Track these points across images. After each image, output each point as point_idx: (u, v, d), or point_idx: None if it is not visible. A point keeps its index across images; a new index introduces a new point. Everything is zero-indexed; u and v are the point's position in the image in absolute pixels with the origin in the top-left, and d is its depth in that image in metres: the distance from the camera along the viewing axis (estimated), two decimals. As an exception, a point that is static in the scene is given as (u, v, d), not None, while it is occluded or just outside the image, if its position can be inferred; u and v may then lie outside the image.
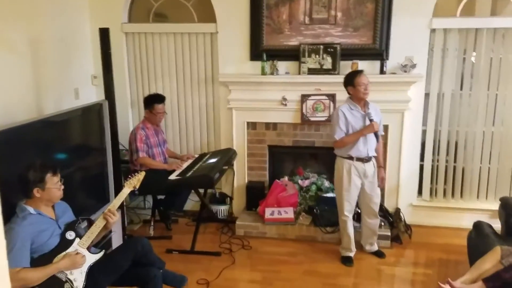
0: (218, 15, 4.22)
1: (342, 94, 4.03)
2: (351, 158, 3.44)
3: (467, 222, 3.75)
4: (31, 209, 2.40)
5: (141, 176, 2.85)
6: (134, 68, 4.58)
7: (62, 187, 2.51)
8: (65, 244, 2.45)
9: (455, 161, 4.25)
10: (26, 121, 2.92)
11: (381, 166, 3.60)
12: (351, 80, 3.34)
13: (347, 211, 3.55)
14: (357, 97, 3.38)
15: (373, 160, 3.51)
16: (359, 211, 3.80)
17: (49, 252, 2.38)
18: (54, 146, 3.12)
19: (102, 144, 3.61)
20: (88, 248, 2.52)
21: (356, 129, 3.39)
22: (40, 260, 2.34)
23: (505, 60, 3.98)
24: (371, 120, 3.33)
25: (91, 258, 2.51)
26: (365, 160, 3.44)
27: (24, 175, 2.37)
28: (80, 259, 2.42)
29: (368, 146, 3.41)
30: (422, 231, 4.16)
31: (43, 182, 2.39)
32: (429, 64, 4.06)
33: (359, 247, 3.77)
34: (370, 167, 3.48)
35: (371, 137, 3.40)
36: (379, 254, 3.71)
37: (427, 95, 4.13)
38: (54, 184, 2.44)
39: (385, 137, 4.09)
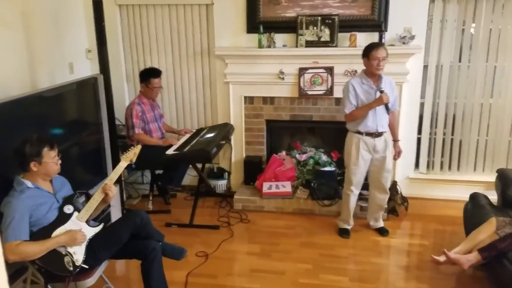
0: (213, -14, 4.13)
1: (340, 67, 4.03)
2: (360, 132, 3.41)
3: (463, 194, 3.76)
4: (28, 183, 2.40)
5: (137, 149, 2.83)
6: (129, 41, 4.51)
7: (60, 161, 2.50)
8: (63, 217, 2.46)
9: (452, 134, 4.25)
10: (20, 95, 2.88)
11: (396, 140, 3.56)
12: (366, 52, 3.25)
13: (354, 185, 3.53)
14: (369, 71, 3.30)
15: (385, 135, 3.45)
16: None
17: (48, 226, 2.39)
18: (49, 121, 3.09)
19: (98, 118, 3.58)
20: (87, 222, 2.53)
21: (365, 103, 3.33)
22: (39, 233, 2.35)
23: (504, 31, 3.93)
24: (381, 92, 3.25)
25: (90, 231, 2.51)
26: (374, 135, 3.40)
27: (20, 149, 2.36)
28: (81, 237, 2.43)
29: (377, 121, 3.35)
30: (419, 203, 4.20)
31: (40, 156, 2.38)
32: (427, 35, 4.00)
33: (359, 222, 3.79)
34: (381, 142, 3.43)
35: (381, 112, 3.32)
36: (382, 231, 3.69)
37: (425, 67, 4.09)
38: (51, 159, 2.43)
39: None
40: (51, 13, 3.79)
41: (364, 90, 3.35)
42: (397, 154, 3.59)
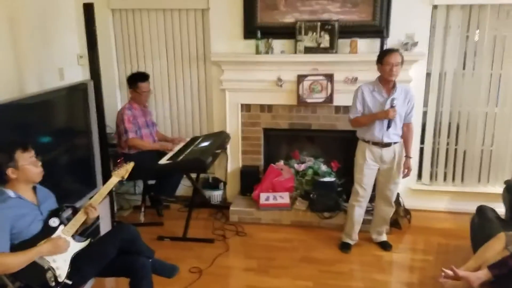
0: (209, -11, 4.03)
1: (340, 74, 3.94)
2: (366, 141, 3.29)
3: (467, 206, 3.70)
4: (10, 193, 2.26)
5: (129, 166, 2.75)
6: (122, 47, 4.40)
7: (39, 163, 2.36)
8: (48, 231, 2.33)
9: (456, 143, 4.14)
10: (6, 100, 2.73)
11: (407, 156, 3.36)
12: (380, 58, 3.16)
13: (360, 196, 3.40)
14: (383, 77, 3.18)
15: (395, 146, 3.29)
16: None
17: (31, 239, 2.25)
18: (37, 128, 2.94)
19: (88, 126, 3.44)
20: (73, 237, 2.40)
21: (372, 111, 3.21)
22: (22, 247, 2.19)
23: (510, 38, 3.83)
24: (392, 106, 3.13)
25: (76, 246, 2.38)
26: (381, 145, 3.26)
27: None
28: (63, 243, 2.30)
29: (383, 131, 3.22)
30: (422, 216, 4.08)
31: (14, 160, 2.24)
32: (430, 42, 3.91)
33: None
34: (389, 153, 3.28)
35: (392, 123, 3.18)
36: (385, 245, 3.56)
37: (428, 74, 3.99)
38: (28, 160, 2.29)
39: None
40: (41, 17, 3.66)
41: (374, 98, 3.23)
42: (406, 172, 3.39)
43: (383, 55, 3.14)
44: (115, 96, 4.46)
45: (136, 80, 3.93)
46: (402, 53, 3.64)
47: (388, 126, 3.19)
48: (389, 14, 3.80)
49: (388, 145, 3.27)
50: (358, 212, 3.46)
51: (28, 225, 2.26)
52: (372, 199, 3.58)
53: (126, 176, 2.73)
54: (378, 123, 3.21)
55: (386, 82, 3.19)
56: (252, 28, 3.97)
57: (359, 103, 3.25)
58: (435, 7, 3.82)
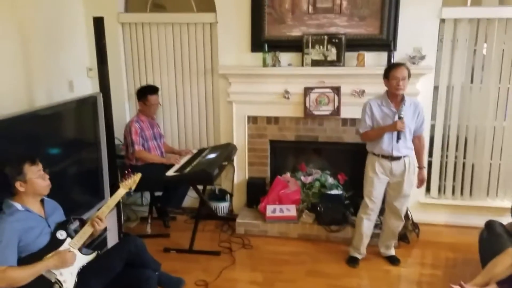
0: (217, 4, 4.06)
1: (347, 87, 3.94)
2: (376, 155, 3.28)
3: (476, 220, 3.65)
4: (18, 206, 2.28)
5: (137, 177, 2.76)
6: (131, 60, 4.44)
7: (47, 176, 2.37)
8: (55, 243, 2.34)
9: (464, 157, 4.10)
10: (16, 113, 2.77)
11: (421, 167, 3.38)
12: (386, 72, 3.16)
13: (370, 209, 3.37)
14: (390, 91, 3.18)
15: (405, 159, 3.27)
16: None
17: (38, 252, 2.26)
18: (46, 140, 2.97)
19: (96, 138, 3.46)
20: (80, 249, 2.41)
21: (382, 125, 3.21)
22: (29, 259, 2.21)
23: (518, 52, 3.82)
24: (399, 118, 3.13)
25: (83, 259, 2.39)
26: (391, 158, 3.24)
27: (1, 171, 2.24)
28: (70, 257, 2.30)
29: (393, 145, 3.20)
30: (430, 230, 4.03)
31: (22, 174, 2.26)
32: (438, 55, 3.90)
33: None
34: (399, 166, 3.26)
35: (401, 135, 3.17)
36: (393, 260, 3.52)
37: (436, 88, 3.97)
38: (36, 174, 2.30)
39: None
40: (50, 28, 3.71)
41: (382, 112, 3.22)
42: (419, 182, 3.42)
43: (389, 70, 3.14)
44: (124, 109, 4.48)
45: (146, 93, 3.97)
46: (410, 66, 3.65)
47: (398, 138, 3.17)
48: (396, 27, 3.80)
49: (397, 158, 3.25)
50: (367, 225, 3.43)
51: (36, 238, 2.27)
52: (381, 212, 3.55)
53: (133, 187, 2.73)
54: (387, 136, 3.19)
55: (393, 96, 3.18)
56: (260, 41, 3.99)
57: (368, 117, 3.25)
58: (442, 20, 3.82)
